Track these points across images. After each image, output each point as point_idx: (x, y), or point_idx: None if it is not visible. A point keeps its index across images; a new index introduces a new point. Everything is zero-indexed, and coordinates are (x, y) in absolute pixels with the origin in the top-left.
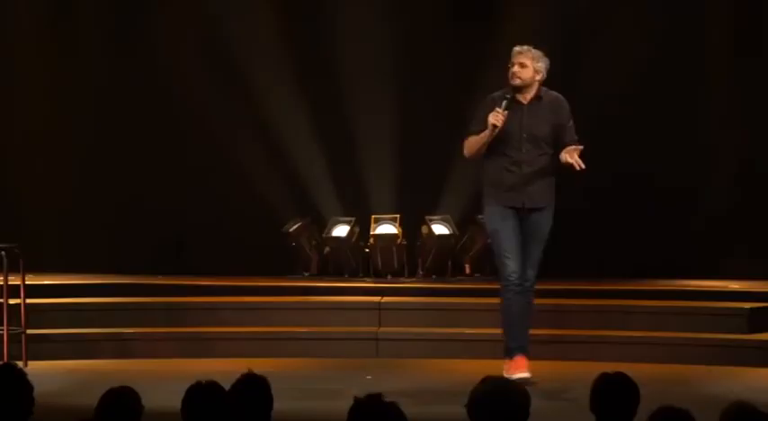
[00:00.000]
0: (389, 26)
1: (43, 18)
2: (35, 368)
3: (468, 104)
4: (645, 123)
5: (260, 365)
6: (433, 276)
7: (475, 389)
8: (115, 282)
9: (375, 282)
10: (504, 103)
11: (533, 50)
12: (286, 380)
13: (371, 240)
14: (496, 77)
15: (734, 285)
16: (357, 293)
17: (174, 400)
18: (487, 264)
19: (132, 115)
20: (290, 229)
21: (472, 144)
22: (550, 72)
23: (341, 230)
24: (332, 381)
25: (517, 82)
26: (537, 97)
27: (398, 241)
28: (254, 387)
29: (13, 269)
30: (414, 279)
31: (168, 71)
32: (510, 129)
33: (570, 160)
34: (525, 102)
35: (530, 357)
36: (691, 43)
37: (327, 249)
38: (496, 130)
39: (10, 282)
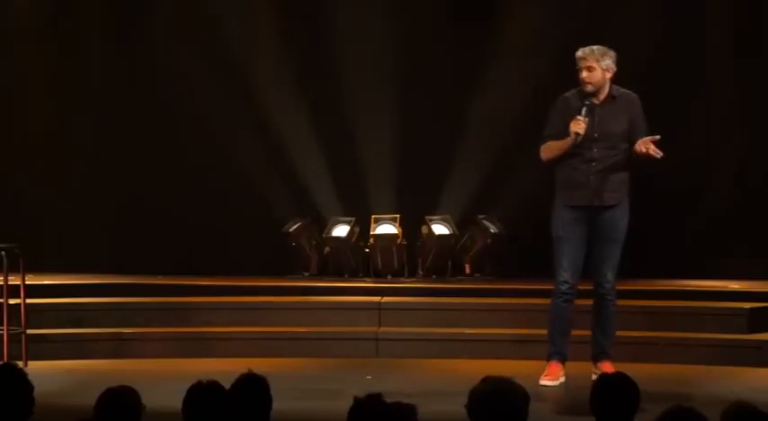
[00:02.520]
0: (389, 26)
1: (43, 18)
2: (35, 368)
3: (468, 104)
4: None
5: (260, 365)
6: (433, 276)
7: (475, 389)
8: (115, 282)
9: (375, 282)
10: (584, 110)
11: (596, 49)
12: (286, 380)
13: (371, 240)
14: (496, 77)
15: (734, 285)
16: (357, 293)
17: (174, 400)
18: (487, 264)
19: (132, 115)
20: (290, 229)
21: (552, 149)
22: (552, 70)
23: (341, 230)
24: (332, 381)
25: (589, 88)
26: (610, 96)
27: (398, 241)
28: (253, 387)
29: (13, 269)
30: (414, 279)
31: (168, 71)
32: (584, 130)
33: (644, 149)
34: (598, 102)
35: (613, 361)
36: (691, 43)
37: (327, 249)
38: (579, 138)
39: (10, 282)
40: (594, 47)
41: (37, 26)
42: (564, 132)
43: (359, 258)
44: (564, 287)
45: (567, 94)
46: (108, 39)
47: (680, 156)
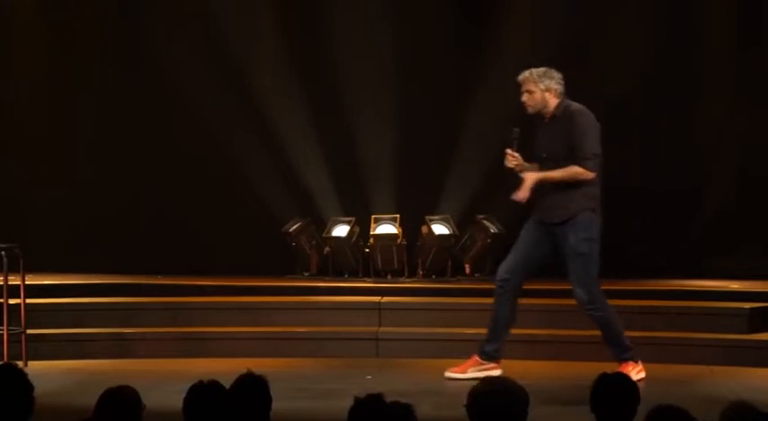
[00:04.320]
0: (390, 26)
1: (44, 17)
2: (35, 368)
3: (468, 104)
4: (645, 123)
5: (260, 365)
6: (433, 276)
7: (475, 388)
8: (115, 282)
9: (375, 282)
10: (514, 141)
11: (534, 72)
12: (286, 380)
13: (371, 240)
14: (495, 78)
15: (734, 285)
16: (357, 293)
17: (174, 400)
18: (487, 264)
19: (133, 116)
20: (290, 229)
21: None
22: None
23: (341, 230)
24: (332, 381)
25: (530, 110)
26: (553, 116)
27: (398, 241)
28: (253, 387)
29: (13, 269)
30: (414, 279)
31: (168, 73)
32: (535, 150)
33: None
34: (546, 121)
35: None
36: (691, 43)
37: (327, 249)
38: (517, 170)
39: (10, 282)
40: (534, 70)
41: (37, 26)
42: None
43: (359, 258)
44: (497, 276)
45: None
46: (108, 39)
47: (680, 156)
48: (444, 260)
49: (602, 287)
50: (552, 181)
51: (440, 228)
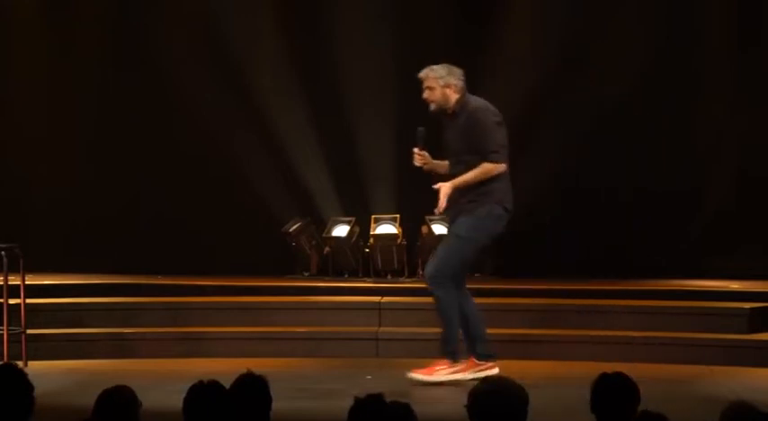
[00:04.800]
0: (390, 27)
1: (44, 17)
2: (35, 368)
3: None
4: (645, 123)
5: (260, 365)
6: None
7: (475, 388)
8: (115, 282)
9: (375, 282)
10: (419, 138)
11: (435, 69)
12: (286, 380)
13: (371, 240)
14: (495, 78)
15: (734, 285)
16: (357, 293)
17: (174, 400)
18: (487, 264)
19: (133, 116)
20: (290, 229)
21: None
22: (552, 71)
23: (341, 230)
24: (332, 381)
25: (433, 107)
26: (454, 112)
27: (398, 241)
28: (252, 386)
29: (13, 269)
30: (414, 279)
31: (168, 73)
32: (444, 147)
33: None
34: (449, 118)
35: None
36: (691, 43)
37: (327, 249)
38: (426, 169)
39: (10, 282)
40: (434, 66)
41: (37, 26)
42: None
43: (359, 258)
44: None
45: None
46: (108, 39)
47: (680, 156)
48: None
49: (601, 286)
50: (467, 184)
51: (440, 228)
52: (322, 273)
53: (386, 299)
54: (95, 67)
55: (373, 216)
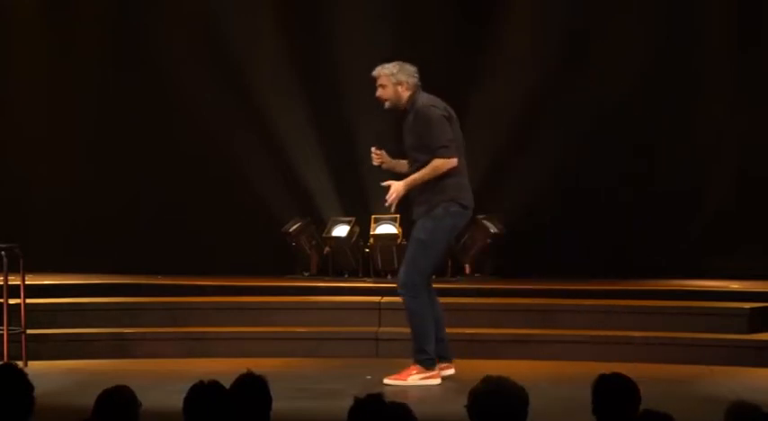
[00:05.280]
0: (390, 27)
1: (44, 17)
2: (35, 368)
3: (467, 105)
4: (645, 123)
5: (260, 365)
6: (433, 276)
7: (475, 388)
8: (115, 282)
9: (375, 282)
10: (376, 140)
11: (387, 66)
12: (286, 380)
13: (371, 240)
14: (495, 78)
15: (734, 285)
16: (357, 293)
17: (174, 400)
18: (487, 264)
19: (133, 116)
20: (290, 229)
21: None
22: (552, 71)
23: (341, 230)
24: (332, 381)
25: (387, 105)
26: (405, 109)
27: (398, 241)
28: (252, 387)
29: (13, 269)
30: None
31: (168, 73)
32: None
33: (389, 197)
34: (402, 115)
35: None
36: (691, 43)
37: (327, 249)
38: (384, 167)
39: (10, 282)
40: (386, 64)
41: (37, 26)
42: None
43: (359, 258)
44: None
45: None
46: (108, 39)
47: (680, 156)
48: (444, 260)
49: (601, 286)
50: (420, 181)
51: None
52: (322, 273)
53: (386, 299)
54: (95, 67)
55: (373, 216)
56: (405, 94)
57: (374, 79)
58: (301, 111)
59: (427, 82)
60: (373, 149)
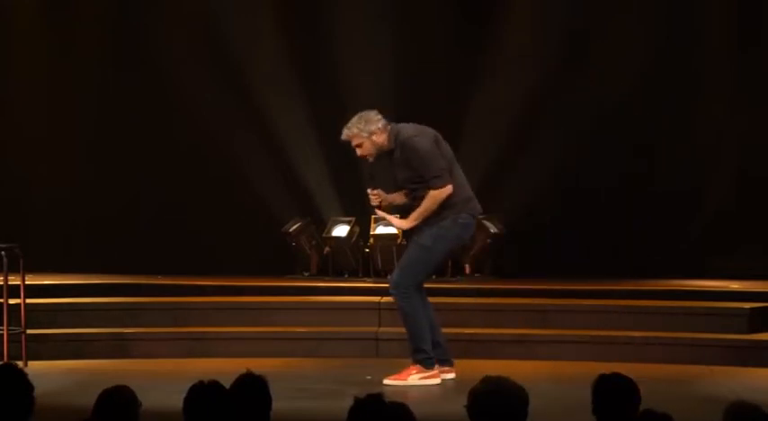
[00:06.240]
0: (390, 27)
1: (44, 17)
2: (35, 368)
3: (467, 105)
4: (645, 123)
5: (260, 365)
6: (433, 276)
7: (474, 388)
8: (115, 281)
9: (375, 282)
10: (370, 181)
11: (351, 126)
12: (286, 380)
13: (371, 240)
14: (495, 78)
15: (734, 285)
16: (357, 293)
17: (174, 400)
18: (487, 264)
19: (133, 116)
20: (290, 229)
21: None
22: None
23: (341, 230)
24: (332, 381)
25: (371, 159)
26: (390, 151)
27: (398, 241)
28: (252, 387)
29: (13, 269)
30: None
31: (168, 73)
32: (394, 183)
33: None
34: (391, 156)
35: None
36: (691, 43)
37: (327, 249)
38: (384, 204)
39: (10, 282)
40: (351, 123)
41: (37, 26)
42: None
43: (359, 258)
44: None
45: None
46: (108, 39)
47: (680, 156)
48: (444, 260)
49: (601, 286)
50: (425, 215)
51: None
52: (322, 273)
53: (386, 299)
54: (95, 67)
55: (373, 216)
56: (381, 138)
57: (346, 142)
58: (301, 111)
59: (427, 82)
60: (369, 191)
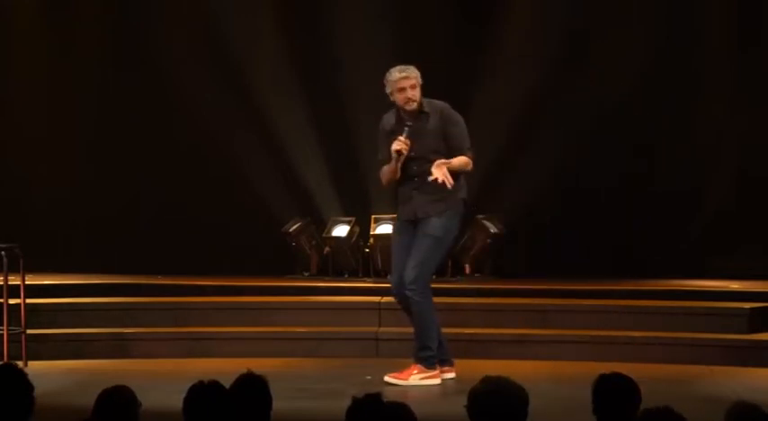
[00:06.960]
0: (390, 27)
1: (43, 17)
2: (35, 368)
3: (467, 105)
4: (645, 123)
5: (260, 365)
6: (434, 276)
7: (474, 388)
8: (115, 282)
9: (375, 282)
10: (406, 130)
11: (411, 68)
12: (286, 380)
13: (371, 240)
14: (495, 78)
15: (734, 285)
16: (357, 293)
17: (174, 400)
18: (487, 264)
19: (133, 116)
20: (290, 229)
21: (385, 173)
22: (552, 71)
23: (341, 230)
24: (332, 381)
25: (414, 106)
26: (420, 111)
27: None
28: (252, 387)
29: (13, 269)
30: None
31: (168, 73)
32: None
33: (438, 175)
34: (408, 116)
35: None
36: (691, 43)
37: (327, 249)
38: (402, 157)
39: (10, 282)
40: (404, 67)
41: (37, 26)
42: (390, 154)
43: (359, 258)
44: (392, 291)
45: (385, 116)
46: (108, 39)
47: (680, 156)
48: (444, 260)
49: (601, 286)
50: (456, 170)
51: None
52: (322, 273)
53: (386, 299)
54: (95, 67)
55: (373, 216)
56: (420, 92)
57: (403, 79)
58: (301, 111)
59: (427, 82)
60: (403, 138)
